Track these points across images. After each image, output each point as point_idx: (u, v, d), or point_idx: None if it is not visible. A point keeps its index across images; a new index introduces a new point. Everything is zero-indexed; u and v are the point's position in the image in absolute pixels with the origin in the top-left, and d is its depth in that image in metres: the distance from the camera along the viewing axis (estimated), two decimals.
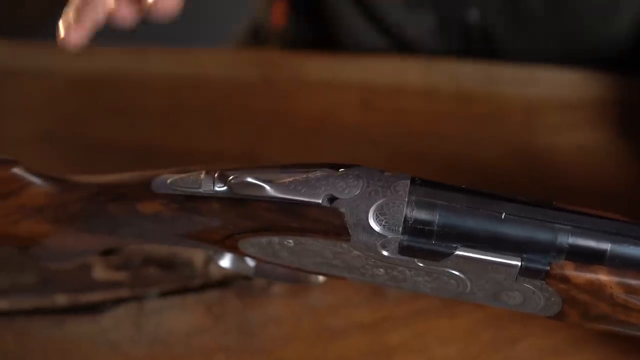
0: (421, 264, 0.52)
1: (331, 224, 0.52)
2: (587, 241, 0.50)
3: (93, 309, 0.74)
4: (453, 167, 0.84)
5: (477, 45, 0.97)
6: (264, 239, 0.54)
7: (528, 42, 0.97)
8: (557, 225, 0.50)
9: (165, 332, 0.73)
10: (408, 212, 0.50)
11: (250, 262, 0.64)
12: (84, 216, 0.60)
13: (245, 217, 0.54)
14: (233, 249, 0.57)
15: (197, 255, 0.77)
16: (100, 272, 0.76)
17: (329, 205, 0.51)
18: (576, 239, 0.50)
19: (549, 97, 0.89)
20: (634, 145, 0.83)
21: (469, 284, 0.53)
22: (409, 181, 0.51)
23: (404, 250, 0.51)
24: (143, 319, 0.74)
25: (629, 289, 0.51)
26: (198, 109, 0.90)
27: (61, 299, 0.74)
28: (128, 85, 0.92)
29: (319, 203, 0.51)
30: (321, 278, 0.64)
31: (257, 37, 1.14)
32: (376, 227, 0.51)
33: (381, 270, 0.54)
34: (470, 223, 0.50)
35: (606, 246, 0.50)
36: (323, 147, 0.87)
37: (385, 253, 0.52)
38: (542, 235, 0.50)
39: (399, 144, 0.87)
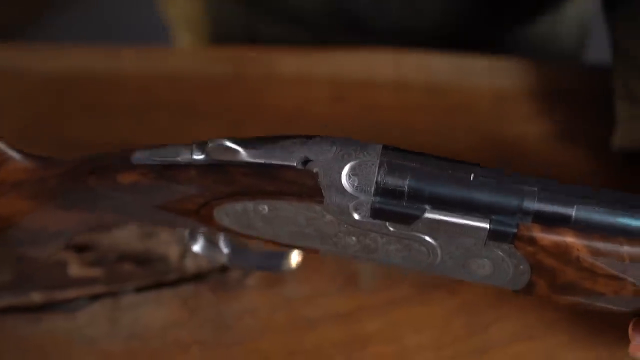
0: (392, 229, 0.53)
1: (305, 186, 0.53)
2: (553, 203, 0.52)
3: (69, 305, 0.75)
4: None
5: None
6: (239, 205, 0.56)
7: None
8: (524, 188, 0.52)
9: (141, 327, 0.73)
10: (380, 173, 0.52)
11: (224, 249, 0.64)
12: (63, 190, 0.61)
13: (221, 183, 0.55)
14: (208, 221, 0.58)
15: (172, 250, 0.77)
16: (75, 269, 0.76)
17: (303, 168, 0.53)
18: (543, 201, 0.52)
19: (518, 87, 0.90)
20: (602, 133, 0.84)
21: (439, 251, 0.54)
22: (381, 146, 0.54)
23: (375, 212, 0.53)
24: (119, 314, 0.74)
25: (595, 252, 0.52)
26: (172, 106, 0.90)
27: (37, 297, 0.75)
28: (101, 83, 0.92)
29: (293, 165, 0.53)
30: (294, 263, 0.65)
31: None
32: (349, 188, 0.52)
33: (353, 238, 0.55)
34: (440, 185, 0.52)
35: (572, 209, 0.52)
36: None
37: (357, 217, 0.53)
38: (509, 197, 0.52)
39: (370, 136, 0.85)
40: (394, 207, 0.53)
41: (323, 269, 0.76)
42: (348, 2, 0.99)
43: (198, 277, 0.77)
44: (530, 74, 0.91)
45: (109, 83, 0.92)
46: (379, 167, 0.52)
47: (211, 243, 0.66)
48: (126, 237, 0.78)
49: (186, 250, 0.77)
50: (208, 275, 0.77)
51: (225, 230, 0.59)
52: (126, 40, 0.99)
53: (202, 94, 0.91)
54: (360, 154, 0.53)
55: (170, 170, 0.56)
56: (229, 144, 0.55)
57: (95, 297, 0.75)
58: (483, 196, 0.52)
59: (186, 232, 0.65)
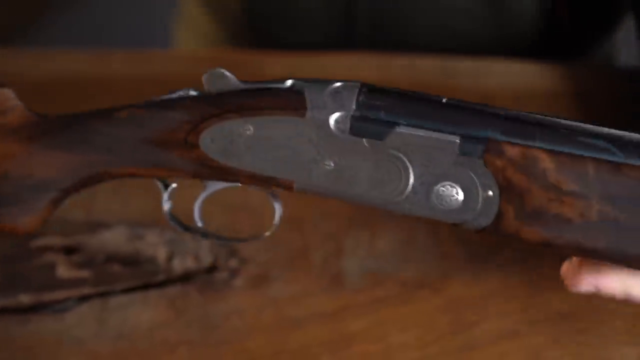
0: (367, 145, 0.57)
1: (291, 100, 0.58)
2: (520, 120, 0.56)
3: (57, 306, 0.75)
4: None
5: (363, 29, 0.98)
6: (225, 126, 0.59)
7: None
8: (493, 109, 0.57)
9: (129, 328, 0.74)
10: (360, 93, 0.58)
11: (198, 220, 0.65)
12: (58, 129, 0.64)
13: (212, 105, 0.60)
14: (193, 151, 0.60)
15: (159, 252, 0.78)
16: (63, 271, 0.77)
17: (291, 86, 0.59)
18: (510, 119, 0.56)
19: (502, 88, 0.91)
20: None
21: (410, 172, 0.57)
22: (361, 82, 0.59)
23: (354, 126, 0.57)
24: (107, 315, 0.75)
25: (560, 163, 0.55)
26: None
27: (25, 298, 0.75)
28: (91, 87, 0.92)
29: (282, 85, 0.60)
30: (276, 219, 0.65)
31: None
32: (331, 103, 0.58)
33: (329, 162, 0.58)
34: (414, 103, 0.57)
35: (537, 126, 0.56)
36: None
37: (336, 131, 0.57)
38: (478, 114, 0.56)
39: None
40: (371, 121, 0.57)
41: (309, 269, 0.77)
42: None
43: (185, 278, 0.77)
44: (516, 75, 0.92)
45: (99, 87, 0.93)
46: (360, 89, 0.58)
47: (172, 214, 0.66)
48: (114, 239, 0.79)
49: (174, 252, 0.78)
50: (195, 277, 0.77)
51: (207, 164, 0.61)
52: (124, 42, 1.00)
53: None
54: (343, 81, 0.59)
55: (166, 102, 0.61)
56: (224, 71, 0.61)
57: (83, 298, 0.76)
58: (454, 113, 0.56)
59: (160, 184, 0.65)
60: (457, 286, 0.76)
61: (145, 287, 0.76)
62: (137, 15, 2.10)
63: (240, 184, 0.62)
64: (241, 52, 0.98)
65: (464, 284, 0.75)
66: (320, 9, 1.01)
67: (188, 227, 0.65)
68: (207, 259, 0.78)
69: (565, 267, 0.60)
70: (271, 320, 0.74)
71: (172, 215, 0.65)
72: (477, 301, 0.74)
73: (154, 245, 0.77)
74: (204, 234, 0.66)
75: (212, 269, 0.78)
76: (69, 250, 0.78)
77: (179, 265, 0.78)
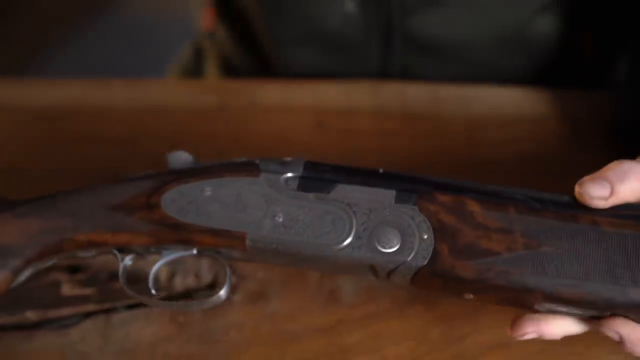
0: (314, 198, 0.65)
1: (245, 166, 0.67)
2: (449, 182, 0.66)
3: (62, 323, 0.78)
4: None
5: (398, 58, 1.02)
6: (185, 189, 0.66)
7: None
8: (425, 177, 0.66)
9: (132, 342, 0.77)
10: (307, 163, 0.67)
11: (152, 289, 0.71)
12: (24, 200, 0.70)
13: (172, 173, 0.68)
14: (154, 212, 0.67)
15: (161, 270, 0.80)
16: (68, 289, 0.79)
17: (245, 161, 0.67)
18: (441, 181, 0.66)
19: (490, 114, 0.94)
20: (572, 157, 0.88)
21: (354, 220, 0.64)
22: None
23: (301, 184, 0.65)
24: (110, 330, 0.77)
25: (485, 205, 0.64)
26: (159, 136, 0.93)
27: (31, 315, 0.78)
28: (91, 115, 0.95)
29: (236, 161, 0.67)
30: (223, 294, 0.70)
31: (199, 57, 1.19)
32: (281, 169, 0.66)
33: (280, 216, 0.65)
34: (355, 170, 0.67)
35: (464, 186, 0.65)
36: None
37: (285, 188, 0.65)
38: (412, 178, 0.66)
39: (348, 159, 0.89)
40: (316, 180, 0.65)
41: (305, 288, 0.79)
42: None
43: (186, 295, 0.80)
44: (504, 100, 0.95)
45: (98, 114, 0.96)
46: (307, 161, 0.67)
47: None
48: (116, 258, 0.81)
49: (175, 271, 0.81)
50: (195, 294, 0.80)
51: (166, 223, 0.66)
52: (124, 73, 1.02)
53: (188, 124, 0.95)
54: (291, 158, 0.68)
55: (132, 177, 0.69)
56: (185, 153, 0.69)
57: (87, 315, 0.78)
58: (391, 177, 0.66)
59: (117, 252, 0.70)
60: (448, 303, 0.78)
61: (135, 306, 0.79)
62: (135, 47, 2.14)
63: (195, 251, 0.67)
64: (234, 81, 1.01)
65: (455, 301, 0.78)
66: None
67: (143, 297, 0.71)
68: (207, 277, 0.81)
69: (511, 322, 0.66)
70: (269, 335, 0.77)
71: (128, 285, 0.70)
72: (469, 314, 0.77)
73: (155, 264, 0.79)
74: (157, 303, 0.72)
75: (212, 286, 0.80)
76: (73, 269, 0.80)
77: (180, 283, 0.80)
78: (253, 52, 1.08)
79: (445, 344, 0.75)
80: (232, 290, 0.79)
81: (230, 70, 1.13)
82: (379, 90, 0.96)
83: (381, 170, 0.67)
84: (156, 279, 0.80)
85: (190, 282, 0.80)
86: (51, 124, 0.95)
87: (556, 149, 0.91)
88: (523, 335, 0.66)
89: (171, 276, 0.81)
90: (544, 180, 0.86)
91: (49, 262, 0.70)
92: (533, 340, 0.74)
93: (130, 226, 0.67)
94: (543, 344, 0.74)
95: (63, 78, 1.01)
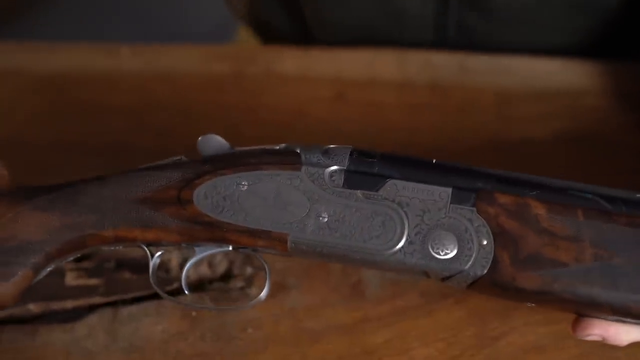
0: (361, 196, 0.58)
1: (286, 157, 0.60)
2: (510, 177, 0.59)
3: (66, 317, 0.73)
4: None
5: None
6: (219, 183, 0.60)
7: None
8: (482, 169, 0.60)
9: (141, 339, 0.72)
10: (354, 151, 0.60)
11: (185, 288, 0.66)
12: (46, 191, 0.63)
13: (205, 163, 0.61)
14: (186, 208, 0.60)
15: (173, 258, 0.75)
16: (72, 279, 0.74)
17: (284, 148, 0.61)
18: (499, 175, 0.59)
19: (524, 87, 0.88)
20: (615, 137, 0.83)
21: (406, 223, 0.58)
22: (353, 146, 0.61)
23: (348, 179, 0.59)
24: (118, 326, 0.72)
25: (552, 208, 0.57)
26: (170, 106, 0.88)
27: (34, 307, 0.73)
28: (97, 82, 0.90)
29: (276, 148, 0.61)
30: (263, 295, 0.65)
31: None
32: (325, 160, 0.60)
33: (325, 216, 0.58)
34: (405, 160, 0.60)
35: (526, 183, 0.59)
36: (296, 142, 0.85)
37: (330, 184, 0.59)
38: (469, 169, 0.59)
39: (373, 138, 0.85)
40: (364, 175, 0.59)
41: (328, 279, 0.74)
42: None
43: (199, 286, 0.75)
44: (538, 72, 0.89)
45: (106, 82, 0.90)
46: (353, 149, 0.60)
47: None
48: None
49: (187, 258, 0.75)
50: (209, 285, 0.75)
51: (199, 221, 0.60)
52: (121, 37, 0.97)
53: (200, 93, 0.90)
54: (336, 145, 0.61)
55: (159, 165, 0.63)
56: (217, 136, 0.63)
57: (93, 308, 0.73)
58: (445, 170, 0.59)
59: (147, 249, 0.64)
60: (480, 296, 0.73)
61: (158, 296, 0.73)
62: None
63: (230, 247, 0.61)
64: (253, 48, 0.95)
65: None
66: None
67: (174, 299, 0.66)
68: (221, 266, 0.75)
69: (575, 321, 0.60)
70: (288, 332, 0.72)
71: (159, 284, 0.65)
72: (501, 312, 0.72)
73: (167, 252, 0.74)
74: (188, 304, 0.69)
75: (227, 276, 0.75)
76: (78, 258, 0.75)
77: (193, 272, 0.75)
78: (294, 15, 1.00)
79: (477, 345, 0.70)
80: (248, 284, 0.74)
81: (267, 35, 1.06)
82: (404, 59, 0.90)
83: (434, 161, 0.60)
84: (166, 268, 0.75)
85: (204, 271, 0.75)
86: (55, 93, 0.90)
87: (597, 126, 0.85)
88: (586, 336, 0.60)
89: (183, 264, 0.75)
90: (582, 162, 0.82)
91: (71, 258, 0.65)
92: (571, 344, 0.70)
93: (159, 222, 0.61)
94: (582, 347, 0.70)
95: (67, 41, 0.95)
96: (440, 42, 0.93)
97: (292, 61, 0.91)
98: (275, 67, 0.90)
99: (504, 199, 0.58)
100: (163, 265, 0.75)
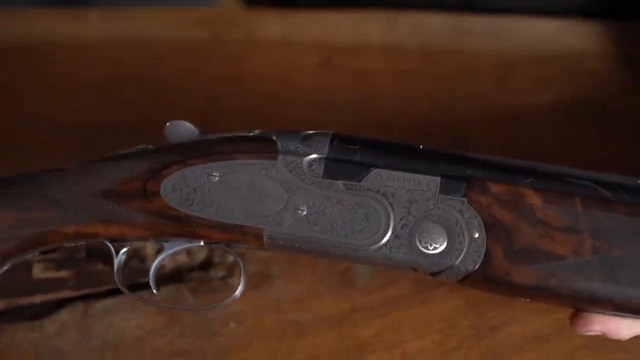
0: (343, 187, 0.54)
1: (261, 145, 0.56)
2: (502, 164, 0.55)
3: (34, 313, 0.68)
4: (422, 132, 0.78)
5: None
6: (189, 173, 0.56)
7: None
8: (473, 155, 0.55)
9: (115, 337, 0.67)
10: (334, 138, 0.55)
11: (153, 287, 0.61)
12: (4, 184, 0.59)
13: (174, 152, 0.57)
14: (153, 201, 0.56)
15: (148, 246, 0.70)
16: (39, 271, 0.69)
17: (259, 135, 0.56)
18: (491, 162, 0.55)
19: (523, 51, 0.82)
20: (624, 102, 0.78)
21: (391, 215, 0.54)
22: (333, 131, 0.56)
23: (328, 168, 0.55)
24: (90, 322, 0.68)
25: (547, 198, 0.53)
26: (143, 78, 0.82)
27: None
28: (63, 53, 0.84)
29: (250, 135, 0.56)
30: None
31: None
32: (304, 148, 0.55)
33: (304, 209, 0.54)
34: (390, 147, 0.55)
35: (519, 170, 0.54)
36: (279, 114, 0.81)
37: (309, 174, 0.55)
38: (459, 156, 0.55)
39: (363, 108, 0.80)
40: (346, 163, 0.55)
41: (314, 267, 0.70)
42: None
43: (176, 276, 0.70)
44: (539, 34, 0.83)
45: (72, 52, 0.84)
46: (333, 135, 0.55)
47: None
48: None
49: (164, 245, 0.70)
50: (187, 275, 0.70)
51: (167, 215, 0.56)
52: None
53: (176, 63, 0.84)
54: (315, 130, 0.56)
55: (124, 154, 0.58)
56: (186, 123, 0.58)
57: (63, 303, 0.68)
58: (433, 157, 0.55)
59: (111, 246, 0.59)
60: None
61: (133, 288, 0.68)
62: None
63: (202, 242, 0.57)
64: (233, 11, 0.89)
65: None
66: None
67: (142, 298, 0.62)
68: (201, 254, 0.71)
69: (572, 316, 0.57)
70: (273, 326, 0.67)
71: (123, 281, 0.60)
72: (500, 300, 0.67)
73: (133, 247, 0.69)
74: (156, 303, 0.64)
75: (206, 265, 0.70)
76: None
77: (170, 261, 0.70)
78: None
79: (475, 336, 0.66)
80: (229, 273, 0.69)
81: None
82: (394, 22, 0.84)
83: (421, 147, 0.56)
84: (141, 257, 0.70)
85: (182, 259, 0.70)
86: (15, 65, 0.84)
87: (598, 92, 0.80)
88: (586, 332, 0.57)
89: (159, 252, 0.70)
90: (583, 131, 0.78)
91: (30, 255, 0.60)
92: (576, 334, 0.65)
93: (124, 217, 0.57)
94: (587, 338, 0.65)
95: (26, 6, 0.88)
96: (439, 4, 0.86)
97: (275, 25, 0.85)
98: (257, 32, 0.85)
99: (496, 188, 0.54)
100: (137, 254, 0.70)
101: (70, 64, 0.83)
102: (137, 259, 0.70)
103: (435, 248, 0.53)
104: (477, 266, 0.53)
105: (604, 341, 0.65)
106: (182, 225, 0.56)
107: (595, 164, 0.73)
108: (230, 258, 0.70)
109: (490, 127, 0.78)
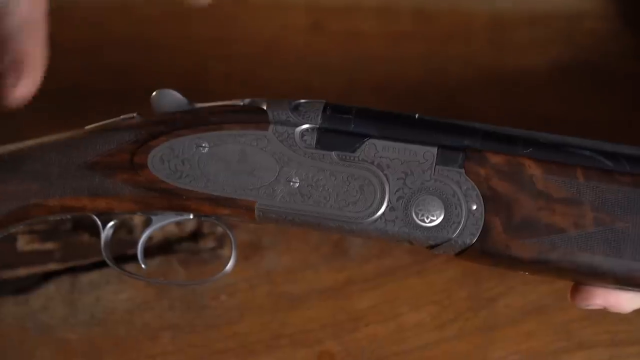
0: (337, 158, 0.53)
1: (251, 114, 0.54)
2: (500, 133, 0.53)
3: (19, 286, 0.66)
4: (416, 95, 0.77)
5: None
6: (177, 144, 0.54)
7: None
8: (470, 124, 0.54)
9: (103, 311, 0.66)
10: (327, 108, 0.54)
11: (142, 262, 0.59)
12: None
13: (162, 123, 0.55)
14: (140, 173, 0.55)
15: (135, 216, 0.68)
16: (24, 243, 0.68)
17: (249, 104, 0.55)
18: (489, 131, 0.53)
19: (518, 10, 0.80)
20: (620, 65, 0.76)
21: (386, 187, 0.52)
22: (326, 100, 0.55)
23: (321, 138, 0.53)
24: (77, 295, 0.66)
25: (548, 168, 0.52)
26: (128, 40, 0.80)
27: None
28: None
29: (239, 103, 0.55)
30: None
31: None
32: (296, 117, 0.54)
33: (296, 180, 0.53)
34: (385, 116, 0.54)
35: (519, 139, 0.53)
36: (270, 78, 0.79)
37: (302, 145, 0.53)
38: (456, 126, 0.54)
39: (355, 71, 0.79)
40: (339, 133, 0.53)
41: (307, 237, 0.68)
42: None
43: (165, 247, 0.68)
44: None
45: (55, 13, 0.81)
46: (326, 105, 0.54)
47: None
48: None
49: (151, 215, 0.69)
50: (176, 246, 0.68)
51: (155, 188, 0.55)
52: None
53: (162, 25, 0.81)
54: (307, 99, 0.55)
55: (109, 124, 0.57)
56: (173, 91, 0.56)
57: (49, 276, 0.67)
58: (430, 126, 0.53)
59: (98, 220, 0.58)
60: None
61: (120, 260, 0.67)
62: None
63: (191, 215, 0.56)
64: None
65: None
66: None
67: (129, 272, 0.60)
68: (190, 224, 0.69)
69: (572, 289, 0.56)
70: (265, 298, 0.66)
71: (110, 256, 0.59)
72: (497, 271, 0.65)
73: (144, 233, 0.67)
74: (145, 278, 0.62)
75: (196, 235, 0.68)
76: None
77: (159, 231, 0.68)
78: None
79: (473, 308, 0.65)
80: (220, 244, 0.67)
81: None
82: None
83: (417, 116, 0.54)
84: (128, 227, 0.68)
85: (171, 230, 0.68)
86: None
87: (596, 53, 0.78)
88: (586, 306, 0.56)
89: (147, 222, 0.68)
90: (581, 94, 0.76)
91: (13, 230, 0.59)
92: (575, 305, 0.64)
93: (110, 190, 0.55)
94: (588, 310, 0.64)
95: None
96: None
97: None
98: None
99: (495, 158, 0.53)
100: (124, 225, 0.68)
101: (53, 26, 0.80)
102: (125, 229, 0.68)
103: (432, 221, 0.52)
104: (475, 239, 0.52)
105: (605, 313, 0.64)
106: (170, 198, 0.55)
107: (594, 128, 0.72)
108: (220, 229, 0.68)
109: (485, 89, 0.76)
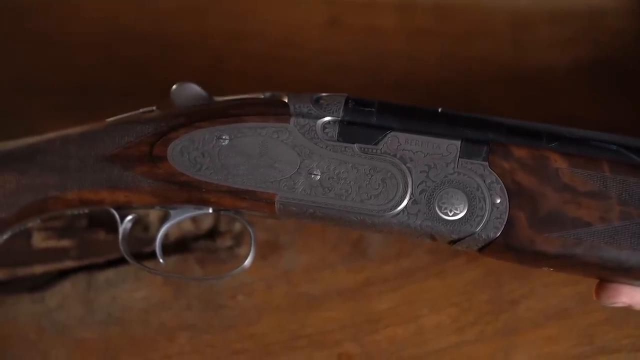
0: (359, 151, 0.53)
1: (272, 106, 0.54)
2: (524, 127, 0.53)
3: (35, 284, 0.65)
4: (435, 93, 0.76)
5: None
6: (197, 136, 0.54)
7: None
8: (493, 118, 0.54)
9: (120, 309, 0.65)
10: (349, 100, 0.54)
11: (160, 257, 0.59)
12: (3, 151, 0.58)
13: (182, 115, 0.55)
14: (160, 165, 0.55)
15: (152, 213, 0.68)
16: (40, 240, 0.67)
17: (270, 97, 0.55)
18: (513, 125, 0.53)
19: (540, 8, 0.79)
20: (638, 62, 0.75)
21: (409, 180, 0.52)
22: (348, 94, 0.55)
23: (343, 131, 0.53)
24: (93, 294, 0.66)
25: (573, 161, 0.52)
26: (142, 37, 0.79)
27: None
28: (57, 9, 0.80)
29: (261, 97, 0.55)
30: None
31: None
32: (317, 110, 0.54)
33: (317, 173, 0.53)
34: (407, 110, 0.54)
35: (543, 133, 0.53)
36: (285, 75, 0.78)
37: (323, 137, 0.53)
38: (480, 120, 0.53)
39: (373, 68, 0.78)
40: (362, 126, 0.53)
41: (325, 235, 0.68)
42: None
43: (181, 245, 0.67)
44: None
45: (67, 8, 0.81)
46: (347, 98, 0.54)
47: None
48: None
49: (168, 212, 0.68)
50: (193, 244, 0.67)
51: (175, 180, 0.55)
52: None
53: (177, 20, 0.80)
54: (329, 93, 0.55)
55: (128, 117, 0.57)
56: (193, 85, 0.56)
57: (65, 273, 0.66)
58: (453, 120, 0.53)
59: (116, 213, 0.58)
60: None
61: (137, 258, 0.66)
62: None
63: (210, 209, 0.56)
64: None
65: None
66: None
67: (148, 268, 0.60)
68: (207, 222, 0.68)
69: (597, 287, 0.55)
70: (283, 298, 0.66)
71: (129, 252, 0.59)
72: (519, 273, 0.65)
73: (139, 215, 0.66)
74: (164, 273, 0.61)
75: (212, 233, 0.67)
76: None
77: (175, 229, 0.67)
78: None
79: (494, 311, 0.64)
80: (237, 243, 0.67)
81: None
82: None
83: (440, 110, 0.54)
84: (145, 224, 0.67)
85: (187, 227, 0.68)
86: (6, 23, 0.80)
87: (620, 53, 0.77)
88: (612, 304, 0.55)
89: (163, 220, 0.67)
90: (606, 93, 0.75)
91: (30, 224, 0.59)
92: (598, 307, 0.64)
93: (129, 182, 0.55)
94: (609, 312, 0.65)
95: None
96: None
97: None
98: None
99: (519, 152, 0.53)
100: (140, 222, 0.67)
101: (64, 20, 0.80)
102: (141, 227, 0.67)
103: (455, 214, 0.52)
104: (499, 233, 0.52)
105: (627, 316, 0.63)
106: (190, 191, 0.55)
107: (617, 129, 0.71)
108: (237, 226, 0.68)
109: (505, 88, 0.76)
